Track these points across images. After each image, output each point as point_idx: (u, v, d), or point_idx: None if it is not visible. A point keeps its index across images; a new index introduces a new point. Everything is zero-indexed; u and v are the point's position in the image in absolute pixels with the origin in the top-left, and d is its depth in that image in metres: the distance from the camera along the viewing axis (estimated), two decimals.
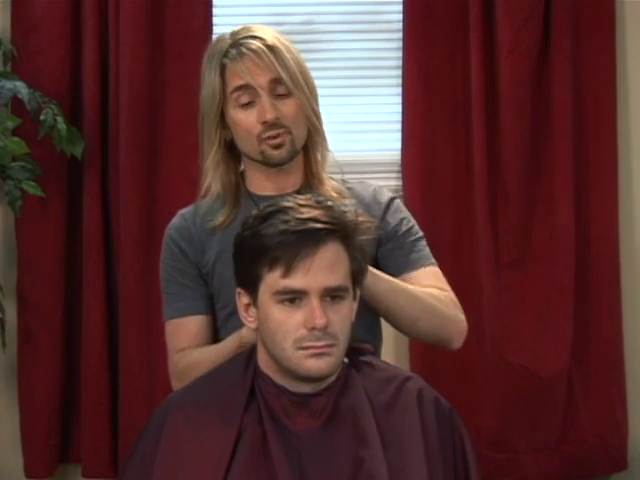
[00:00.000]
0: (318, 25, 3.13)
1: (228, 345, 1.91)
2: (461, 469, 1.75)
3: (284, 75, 1.93)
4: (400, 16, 3.05)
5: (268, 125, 1.93)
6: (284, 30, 3.07)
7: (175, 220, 2.06)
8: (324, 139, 2.03)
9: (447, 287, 2.07)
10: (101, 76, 2.96)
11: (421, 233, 2.10)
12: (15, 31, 2.98)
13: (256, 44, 1.93)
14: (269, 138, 1.94)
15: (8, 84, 2.81)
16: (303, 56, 3.10)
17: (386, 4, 3.14)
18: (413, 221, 2.09)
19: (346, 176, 2.09)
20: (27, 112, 2.82)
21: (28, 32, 2.96)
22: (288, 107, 1.95)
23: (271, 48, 1.93)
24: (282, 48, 1.95)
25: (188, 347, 2.00)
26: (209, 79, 1.98)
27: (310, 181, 2.01)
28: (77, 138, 2.90)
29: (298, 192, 1.91)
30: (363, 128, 3.16)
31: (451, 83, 3.05)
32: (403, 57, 3.05)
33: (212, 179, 2.02)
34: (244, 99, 1.95)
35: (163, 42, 2.98)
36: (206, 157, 2.02)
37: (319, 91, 3.20)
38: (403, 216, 2.06)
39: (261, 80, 1.93)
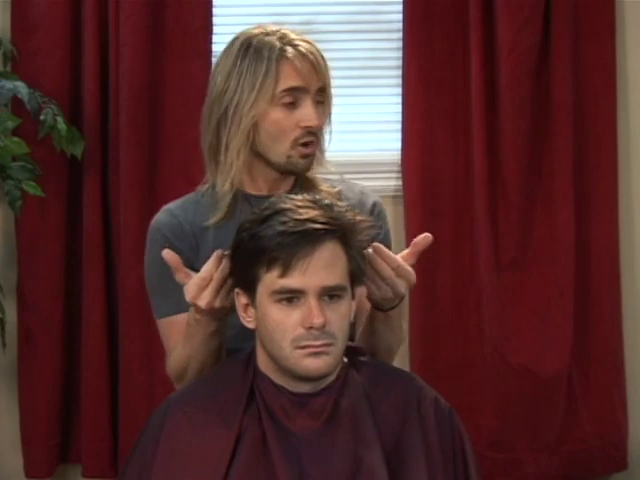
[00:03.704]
0: (318, 25, 3.13)
1: (187, 322, 1.87)
2: (461, 469, 1.75)
3: (328, 84, 1.93)
4: (400, 16, 3.05)
5: (308, 131, 1.91)
6: None
7: (162, 216, 2.00)
8: (323, 146, 2.01)
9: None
10: (101, 76, 2.96)
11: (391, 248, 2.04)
12: (15, 31, 2.98)
13: (307, 47, 1.91)
14: (302, 145, 1.92)
15: (8, 84, 2.81)
16: None
17: (386, 4, 3.14)
18: (390, 233, 2.07)
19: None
20: (27, 112, 2.82)
21: (28, 32, 2.96)
22: (323, 116, 1.93)
23: (321, 55, 1.92)
24: (322, 55, 1.93)
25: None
26: (253, 71, 1.90)
27: (302, 184, 1.99)
28: (77, 138, 2.90)
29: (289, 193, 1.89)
30: (363, 128, 3.16)
31: (451, 83, 3.05)
32: (403, 57, 3.05)
33: (236, 171, 1.95)
34: (288, 99, 1.90)
35: (163, 42, 2.98)
36: (236, 149, 1.93)
37: None
38: (380, 225, 2.01)
39: (314, 85, 1.91)
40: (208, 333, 1.85)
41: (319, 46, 1.96)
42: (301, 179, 2.00)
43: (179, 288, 1.92)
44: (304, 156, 1.93)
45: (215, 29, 3.00)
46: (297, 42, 1.92)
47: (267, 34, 1.93)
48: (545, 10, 3.00)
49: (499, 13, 2.98)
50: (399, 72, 3.07)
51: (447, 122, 3.06)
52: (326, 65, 1.94)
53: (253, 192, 1.99)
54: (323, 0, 3.14)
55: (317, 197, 1.72)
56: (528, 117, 3.02)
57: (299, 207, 1.67)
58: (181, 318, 1.94)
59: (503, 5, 2.97)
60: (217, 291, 1.76)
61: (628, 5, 3.10)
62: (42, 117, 2.81)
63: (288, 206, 1.67)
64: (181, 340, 1.93)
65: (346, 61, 3.13)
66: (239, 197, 1.98)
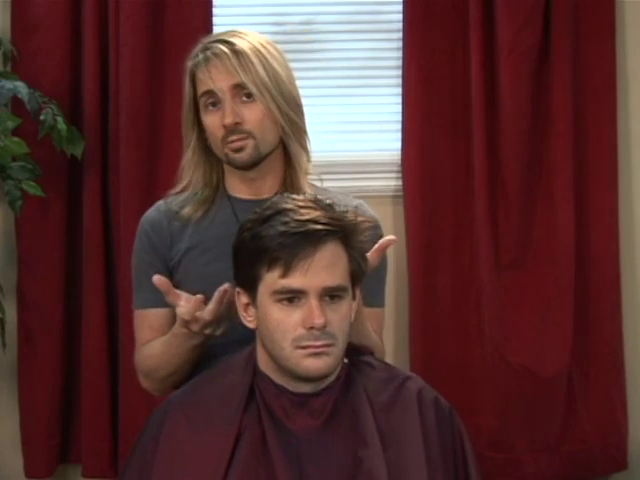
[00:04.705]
0: (318, 25, 3.13)
1: (172, 331, 1.94)
2: (461, 469, 1.75)
3: (246, 79, 1.94)
4: (400, 16, 3.04)
5: (229, 130, 1.95)
6: (284, 30, 3.09)
7: (151, 211, 2.09)
8: (303, 147, 2.03)
9: (382, 337, 2.09)
10: (101, 76, 2.96)
11: (386, 266, 2.07)
12: (15, 31, 2.97)
13: (221, 48, 1.95)
14: (231, 142, 1.96)
15: (8, 84, 2.80)
16: (302, 57, 3.13)
17: (386, 4, 3.13)
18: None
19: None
20: (27, 112, 2.81)
21: (28, 32, 2.96)
22: (252, 112, 1.96)
23: (236, 52, 1.95)
24: (250, 53, 1.95)
25: (149, 340, 2.04)
26: (185, 83, 2.02)
27: (287, 188, 2.01)
28: (77, 138, 2.90)
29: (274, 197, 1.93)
30: (363, 128, 3.16)
31: (451, 83, 3.05)
32: (403, 57, 3.05)
33: (191, 178, 2.05)
34: (210, 102, 1.97)
35: (163, 42, 2.98)
36: (184, 157, 2.06)
37: (319, 91, 3.22)
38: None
39: (223, 85, 1.95)
40: (192, 345, 1.92)
41: (256, 43, 1.97)
42: (287, 185, 2.03)
43: (150, 284, 1.99)
44: (235, 150, 1.97)
45: (215, 29, 3.00)
46: (210, 45, 1.98)
47: (199, 43, 2.01)
48: (545, 10, 3.00)
49: (499, 13, 2.98)
50: (399, 72, 3.07)
51: (447, 122, 3.06)
52: (246, 60, 1.94)
53: (236, 194, 2.04)
54: (323, 0, 3.14)
55: (318, 197, 1.72)
56: (528, 117, 3.02)
57: (301, 207, 1.67)
58: (151, 314, 2.05)
59: (503, 5, 2.97)
60: (205, 327, 1.85)
61: (628, 5, 3.10)
62: (42, 117, 2.81)
63: (290, 206, 1.67)
64: (153, 337, 2.03)
65: (346, 61, 3.13)
66: (220, 195, 2.05)
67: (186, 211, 2.03)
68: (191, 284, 1.97)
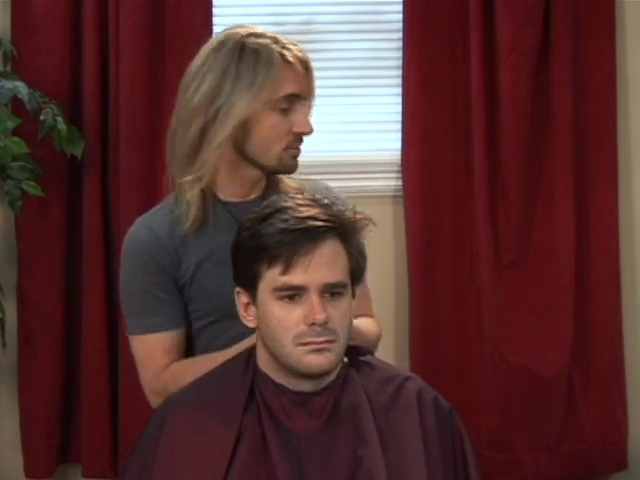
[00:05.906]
0: (318, 25, 3.13)
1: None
2: (461, 469, 1.75)
3: (314, 91, 1.96)
4: (400, 16, 3.05)
5: (300, 137, 1.94)
6: (284, 30, 3.09)
7: (140, 231, 1.96)
8: None
9: (373, 310, 2.09)
10: (101, 76, 2.96)
11: None
12: (15, 31, 2.98)
13: (304, 54, 1.93)
14: (294, 148, 1.94)
15: (8, 84, 2.81)
16: None
17: (386, 4, 3.14)
18: None
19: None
20: (27, 112, 2.81)
21: (28, 32, 2.96)
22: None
23: (308, 67, 1.94)
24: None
25: (168, 363, 1.96)
26: (252, 73, 1.88)
27: (270, 184, 1.99)
28: (77, 138, 2.91)
29: (262, 197, 1.91)
30: (363, 128, 3.16)
31: (451, 83, 3.05)
32: (403, 57, 3.05)
33: (210, 166, 1.93)
34: (285, 105, 1.91)
35: (163, 42, 2.98)
36: (218, 142, 1.91)
37: (319, 91, 3.23)
38: None
39: (307, 92, 1.94)
40: None
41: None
42: (270, 183, 2.00)
43: (162, 307, 1.93)
44: (295, 156, 1.96)
45: (215, 29, 3.00)
46: (290, 46, 1.92)
47: (258, 35, 1.92)
48: (545, 10, 3.00)
49: (499, 13, 2.98)
50: (399, 72, 3.07)
51: (447, 122, 3.06)
52: (312, 75, 1.95)
53: (226, 198, 1.98)
54: (323, 0, 3.14)
55: (317, 196, 1.72)
56: (528, 117, 3.02)
57: (300, 205, 1.67)
58: (166, 337, 1.96)
59: (503, 5, 2.97)
60: None
61: (628, 5, 3.10)
62: (42, 117, 2.81)
63: (289, 204, 1.68)
64: (170, 361, 1.94)
65: (346, 61, 3.13)
66: (212, 201, 1.96)
67: (183, 224, 1.93)
68: (208, 299, 1.94)
